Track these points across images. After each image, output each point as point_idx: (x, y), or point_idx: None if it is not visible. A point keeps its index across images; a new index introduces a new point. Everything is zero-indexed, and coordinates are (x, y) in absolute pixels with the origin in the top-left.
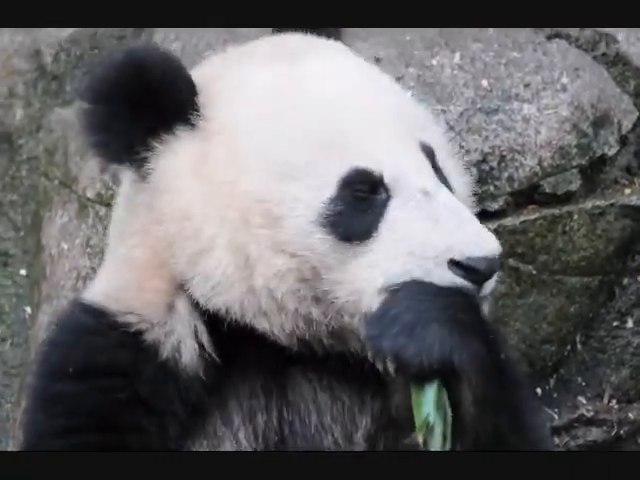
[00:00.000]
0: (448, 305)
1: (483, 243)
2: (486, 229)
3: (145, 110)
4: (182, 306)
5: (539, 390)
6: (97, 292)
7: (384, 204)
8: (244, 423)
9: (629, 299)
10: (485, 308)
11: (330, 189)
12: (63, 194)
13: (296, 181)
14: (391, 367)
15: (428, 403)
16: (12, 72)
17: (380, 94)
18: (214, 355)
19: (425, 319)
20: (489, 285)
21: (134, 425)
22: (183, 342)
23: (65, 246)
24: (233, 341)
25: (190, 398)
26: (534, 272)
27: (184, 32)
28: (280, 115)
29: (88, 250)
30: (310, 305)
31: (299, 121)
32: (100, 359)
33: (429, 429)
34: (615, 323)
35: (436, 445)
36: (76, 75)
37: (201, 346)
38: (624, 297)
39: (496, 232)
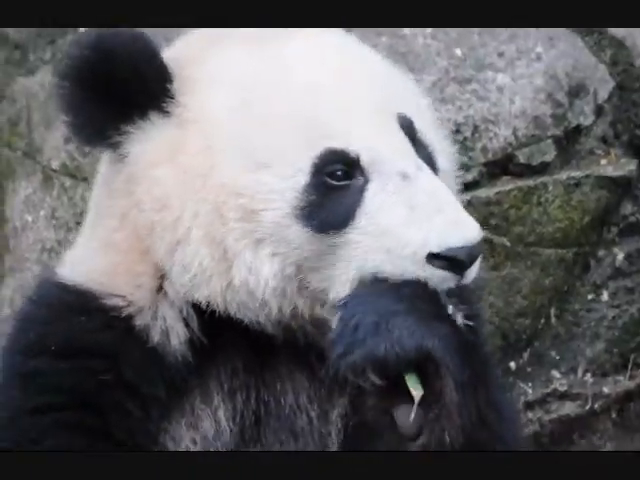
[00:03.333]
0: (403, 297)
1: (462, 231)
2: (466, 213)
3: (116, 95)
4: (171, 290)
5: (512, 364)
6: (78, 272)
7: (361, 189)
8: (224, 402)
9: (604, 271)
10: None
11: (304, 176)
12: (27, 165)
13: (270, 170)
14: (373, 377)
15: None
16: None
17: (357, 71)
18: (203, 339)
19: (386, 314)
20: (472, 271)
21: (116, 406)
22: (172, 327)
23: (29, 218)
24: (219, 324)
25: (175, 381)
26: (508, 244)
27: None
28: (253, 101)
29: (53, 222)
30: (293, 297)
31: (272, 106)
32: (85, 340)
33: None
34: (590, 296)
35: None
36: (39, 44)
37: (190, 330)
38: (599, 269)
39: (469, 203)
